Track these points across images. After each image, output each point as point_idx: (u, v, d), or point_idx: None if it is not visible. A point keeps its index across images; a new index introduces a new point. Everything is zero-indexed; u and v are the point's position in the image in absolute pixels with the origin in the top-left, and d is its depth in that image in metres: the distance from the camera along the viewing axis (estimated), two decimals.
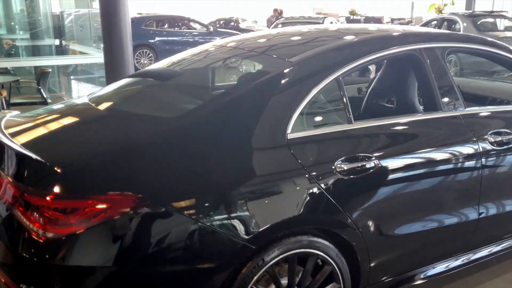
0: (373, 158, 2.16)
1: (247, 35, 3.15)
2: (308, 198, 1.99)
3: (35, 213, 1.71)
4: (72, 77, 10.03)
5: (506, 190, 2.71)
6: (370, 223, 2.18)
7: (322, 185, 2.02)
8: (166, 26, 14.16)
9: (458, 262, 2.64)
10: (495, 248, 2.77)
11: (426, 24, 11.92)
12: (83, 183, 1.75)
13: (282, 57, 2.33)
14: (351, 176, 2.09)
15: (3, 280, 1.82)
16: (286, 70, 2.19)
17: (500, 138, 2.59)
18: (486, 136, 2.55)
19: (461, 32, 9.93)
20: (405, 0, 32.90)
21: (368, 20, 17.32)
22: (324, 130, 2.19)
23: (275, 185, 1.94)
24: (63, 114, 2.49)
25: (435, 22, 11.74)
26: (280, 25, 11.41)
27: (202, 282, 1.82)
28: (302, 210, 1.97)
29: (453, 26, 11.07)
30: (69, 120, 2.36)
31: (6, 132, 2.10)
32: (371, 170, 2.14)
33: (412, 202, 2.34)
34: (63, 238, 1.67)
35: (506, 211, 2.73)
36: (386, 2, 34.47)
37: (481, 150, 2.51)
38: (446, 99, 2.52)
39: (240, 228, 1.83)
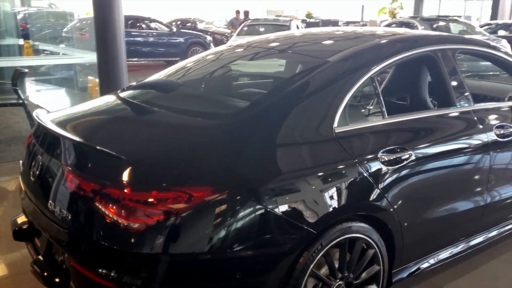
0: (408, 149, 2.37)
1: (274, 37, 3.28)
2: (359, 186, 2.18)
3: (119, 206, 1.79)
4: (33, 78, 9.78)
5: (508, 177, 3.00)
6: (405, 208, 2.39)
7: (370, 174, 2.21)
8: (128, 26, 14.03)
9: (470, 243, 2.91)
10: (500, 230, 3.07)
11: (387, 26, 12.46)
12: (164, 176, 1.85)
13: (319, 57, 2.51)
14: (391, 166, 2.30)
15: (85, 273, 1.88)
16: (326, 70, 2.37)
17: (503, 131, 2.88)
18: (492, 129, 2.83)
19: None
20: (355, 4, 33.88)
21: (325, 23, 17.77)
22: (365, 124, 2.39)
23: (331, 175, 2.11)
24: (115, 110, 2.57)
25: (394, 25, 12.31)
26: (246, 27, 11.59)
27: (271, 266, 1.96)
28: (354, 197, 2.15)
29: (410, 29, 11.64)
30: (124, 115, 2.44)
31: (67, 129, 2.16)
32: (406, 160, 2.36)
33: (438, 189, 2.58)
34: (148, 227, 1.77)
35: (509, 196, 3.03)
36: (336, 5, 35.36)
37: (489, 141, 2.79)
38: (459, 96, 2.78)
39: (304, 214, 1.99)
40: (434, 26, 11.39)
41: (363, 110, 2.49)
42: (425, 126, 2.60)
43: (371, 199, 2.23)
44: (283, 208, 1.94)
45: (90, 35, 9.12)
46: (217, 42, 16.90)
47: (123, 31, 4.77)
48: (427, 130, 2.59)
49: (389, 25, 12.61)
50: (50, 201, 2.05)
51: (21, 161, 2.68)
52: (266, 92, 2.48)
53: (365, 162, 2.22)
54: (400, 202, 2.35)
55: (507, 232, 3.18)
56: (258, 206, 1.89)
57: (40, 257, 2.19)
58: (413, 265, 2.61)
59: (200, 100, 2.67)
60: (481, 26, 13.85)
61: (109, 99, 2.76)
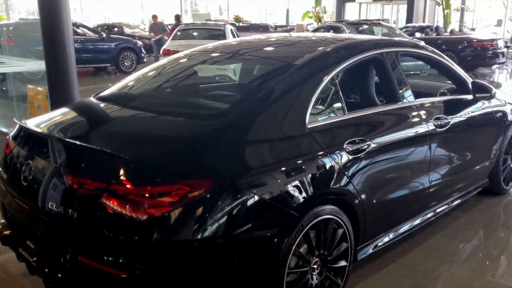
0: (366, 140, 2.72)
1: (246, 42, 3.52)
2: (330, 173, 2.48)
3: (126, 201, 1.96)
4: None
5: (445, 162, 3.45)
6: (366, 191, 2.73)
7: (338, 163, 2.52)
8: None
9: (418, 220, 3.32)
10: (442, 208, 3.52)
11: (317, 30, 13.09)
12: (166, 172, 2.05)
13: (287, 60, 2.79)
14: (354, 155, 2.63)
15: (93, 265, 2.03)
16: (295, 72, 2.65)
17: (440, 122, 3.32)
18: (432, 121, 3.26)
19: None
20: (280, 7, 34.80)
21: (255, 27, 18.21)
22: (331, 119, 2.70)
23: (307, 164, 2.39)
24: (102, 113, 2.72)
25: (322, 29, 12.96)
26: (180, 32, 11.70)
27: (263, 247, 2.20)
28: (327, 183, 2.45)
29: (338, 32, 12.33)
30: (114, 118, 2.58)
31: (62, 133, 2.29)
32: (366, 150, 2.70)
33: (392, 173, 2.95)
34: (155, 219, 1.95)
35: (447, 178, 3.48)
36: (258, 8, 36.07)
37: (430, 131, 3.21)
38: (403, 93, 3.18)
39: (288, 200, 2.26)
40: (360, 29, 12.13)
41: (327, 107, 2.81)
42: (379, 120, 2.96)
43: (340, 184, 2.54)
44: (271, 195, 2.20)
45: (14, 41, 8.85)
46: (147, 48, 16.83)
47: (72, 38, 4.78)
48: (381, 123, 2.95)
49: (317, 29, 13.24)
50: (50, 203, 2.16)
51: None
52: (244, 94, 2.73)
53: (334, 152, 2.53)
54: (362, 186, 2.69)
55: (447, 209, 3.64)
56: (250, 195, 2.13)
57: (38, 258, 2.28)
58: (373, 242, 2.96)
59: (183, 103, 2.87)
60: (401, 29, 14.88)
61: (90, 104, 2.89)
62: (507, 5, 27.33)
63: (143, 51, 15.00)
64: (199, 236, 2.01)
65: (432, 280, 3.06)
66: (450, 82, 4.07)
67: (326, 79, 2.69)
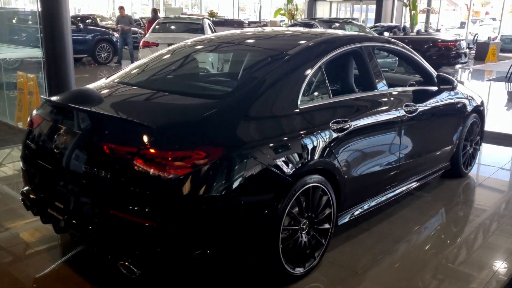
0: (348, 120, 3.17)
1: (243, 34, 3.91)
2: (318, 147, 2.91)
3: (156, 163, 2.34)
4: None
5: (413, 144, 3.94)
6: (347, 165, 3.18)
7: (325, 139, 2.96)
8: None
9: (389, 194, 3.80)
10: (410, 185, 4.03)
11: (291, 27, 13.54)
12: (188, 139, 2.45)
13: (282, 50, 3.21)
14: (338, 133, 3.08)
15: (125, 218, 2.40)
16: (289, 60, 3.08)
17: (409, 108, 3.81)
18: (402, 107, 3.74)
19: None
20: (250, 2, 35.13)
21: (230, 23, 18.57)
22: (318, 102, 3.14)
23: (300, 139, 2.82)
24: (123, 91, 3.11)
25: (297, 26, 13.43)
26: (158, 25, 11.95)
27: (263, 207, 2.62)
28: (315, 155, 2.89)
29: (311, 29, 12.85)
30: (135, 95, 2.96)
31: (94, 107, 2.65)
32: (348, 129, 3.15)
33: (369, 150, 3.41)
34: (180, 177, 2.35)
35: (415, 158, 3.98)
36: (230, 3, 36.28)
37: (401, 115, 3.69)
38: (379, 82, 3.65)
39: (285, 167, 2.68)
40: (332, 27, 12.68)
41: (315, 92, 3.24)
42: (358, 104, 3.42)
43: (326, 157, 2.98)
44: (270, 162, 2.62)
45: None
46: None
47: (70, 27, 5.08)
48: (360, 107, 3.41)
49: (293, 26, 13.71)
50: (84, 166, 2.52)
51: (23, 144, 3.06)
52: (246, 78, 3.14)
53: (321, 129, 2.97)
54: (344, 160, 3.14)
55: (414, 186, 4.15)
56: (254, 162, 2.55)
57: (69, 216, 2.63)
58: (351, 210, 3.42)
59: (191, 86, 3.26)
60: (370, 28, 15.54)
61: (108, 84, 3.25)
62: (470, 8, 28.52)
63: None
64: (213, 193, 2.41)
65: (401, 245, 3.55)
66: (417, 75, 4.58)
67: (315, 67, 3.13)
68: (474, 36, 21.27)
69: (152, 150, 2.37)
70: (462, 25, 29.88)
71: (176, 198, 2.36)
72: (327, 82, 3.22)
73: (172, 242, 2.42)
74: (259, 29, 4.23)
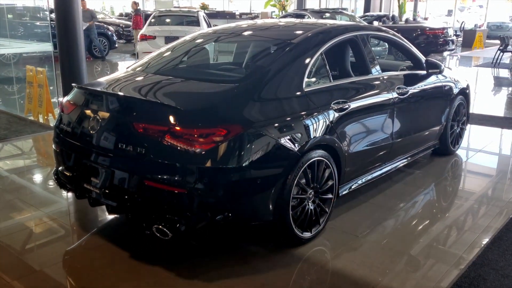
0: (347, 101, 3.55)
1: (250, 26, 4.28)
2: (322, 125, 3.29)
3: (184, 139, 2.71)
4: None
5: (405, 123, 4.33)
6: (346, 141, 3.56)
7: (327, 118, 3.34)
8: None
9: (384, 169, 4.20)
10: (402, 161, 4.43)
11: (283, 17, 13.89)
12: (211, 118, 2.81)
13: (286, 39, 3.57)
14: (339, 113, 3.45)
15: (159, 187, 2.77)
16: (293, 48, 3.45)
17: (401, 91, 4.19)
18: (395, 90, 4.13)
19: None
20: None
21: (222, 15, 18.87)
22: (321, 85, 3.51)
23: (306, 117, 3.19)
24: (148, 78, 3.46)
25: (289, 16, 13.78)
26: (154, 19, 12.21)
27: (277, 177, 2.99)
28: (319, 132, 3.27)
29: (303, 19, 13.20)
30: (159, 81, 3.32)
31: (124, 91, 3.01)
32: (347, 109, 3.53)
33: (365, 129, 3.79)
34: (205, 151, 2.71)
35: (407, 136, 4.37)
36: None
37: (393, 97, 4.08)
38: (373, 67, 4.03)
39: (294, 142, 3.05)
40: (323, 17, 13.04)
41: (317, 76, 3.61)
42: (356, 87, 3.80)
43: (328, 134, 3.35)
44: (282, 138, 2.99)
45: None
46: (119, 34, 17.17)
47: (81, 22, 5.39)
48: (357, 89, 3.79)
49: (284, 17, 14.04)
50: (120, 144, 2.88)
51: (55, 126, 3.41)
52: (256, 65, 3.50)
53: (324, 109, 3.35)
54: (344, 137, 3.52)
55: (407, 162, 4.55)
56: (268, 138, 2.92)
57: (108, 189, 2.98)
58: (350, 183, 3.81)
59: (208, 72, 3.63)
60: (360, 17, 15.91)
61: (132, 72, 3.62)
62: None
63: (115, 37, 15.40)
64: (233, 165, 2.78)
65: (395, 213, 3.95)
66: (407, 61, 4.97)
67: (317, 54, 3.50)
68: (461, 24, 21.73)
69: (180, 128, 2.74)
70: (450, 13, 30.34)
71: (201, 168, 2.73)
72: (327, 67, 3.59)
73: (199, 207, 2.79)
74: (263, 21, 4.58)
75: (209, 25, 12.25)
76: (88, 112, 3.15)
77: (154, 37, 11.04)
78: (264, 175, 2.95)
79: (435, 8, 33.15)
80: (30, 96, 6.97)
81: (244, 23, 4.41)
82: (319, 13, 13.30)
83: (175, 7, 21.31)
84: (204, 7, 22.39)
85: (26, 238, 3.47)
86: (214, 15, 16.31)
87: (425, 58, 4.77)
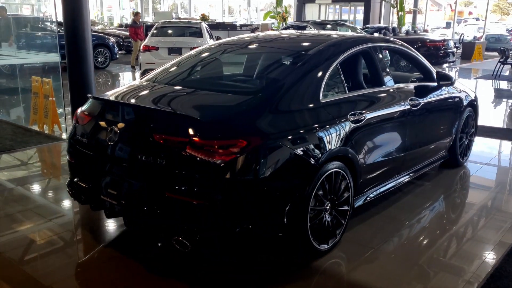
0: (363, 113, 3.54)
1: (264, 38, 4.30)
2: (339, 136, 3.28)
3: (205, 151, 2.69)
4: None
5: (417, 134, 4.33)
6: (362, 153, 3.55)
7: (344, 129, 3.33)
8: None
9: (397, 181, 4.19)
10: (413, 173, 4.42)
11: (285, 29, 13.96)
12: (232, 129, 2.80)
13: (302, 51, 3.58)
14: (355, 124, 3.45)
15: (179, 198, 2.74)
16: (309, 59, 3.45)
17: (413, 102, 4.20)
18: (407, 101, 4.13)
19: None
20: (236, 5, 35.52)
21: (223, 26, 18.96)
22: (337, 97, 3.51)
23: (324, 129, 3.18)
24: (163, 89, 3.47)
25: (291, 28, 13.85)
26: (157, 30, 12.24)
27: (295, 189, 2.98)
28: (337, 143, 3.26)
29: (305, 31, 13.28)
30: (175, 92, 3.31)
31: (142, 102, 3.00)
32: (363, 121, 3.52)
33: (380, 140, 3.79)
34: (225, 162, 2.69)
35: (418, 148, 4.37)
36: (218, 7, 36.65)
37: (406, 109, 4.08)
38: (386, 78, 4.03)
39: (312, 154, 3.04)
40: (325, 29, 13.11)
41: (333, 87, 3.61)
42: (371, 98, 3.80)
43: (345, 145, 3.34)
44: (300, 150, 2.98)
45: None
46: (119, 45, 17.19)
47: (90, 33, 5.38)
48: (372, 101, 3.79)
49: (286, 29, 14.12)
50: (140, 155, 2.86)
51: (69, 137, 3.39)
52: (273, 77, 3.49)
53: (341, 121, 3.34)
54: (360, 148, 3.51)
55: (417, 175, 4.55)
56: (287, 150, 2.91)
57: (126, 201, 2.95)
58: (364, 194, 3.79)
59: (229, 83, 3.63)
60: (362, 29, 16.01)
61: (147, 84, 3.61)
62: (456, 8, 29.23)
63: (116, 48, 15.42)
64: (253, 176, 2.76)
65: (409, 226, 3.93)
66: (415, 73, 4.98)
67: (333, 65, 3.50)
68: (460, 36, 21.88)
69: (200, 140, 2.72)
70: (448, 25, 30.57)
71: (221, 180, 2.71)
72: (343, 78, 3.59)
73: (219, 218, 2.76)
74: (275, 32, 4.61)
75: (211, 36, 12.29)
76: (105, 123, 3.13)
77: (157, 48, 11.06)
78: (283, 186, 2.93)
79: (432, 20, 33.43)
80: (36, 106, 6.95)
81: (256, 34, 4.42)
82: (321, 25, 13.39)
83: (176, 18, 21.37)
84: (204, 18, 22.47)
85: (36, 250, 3.43)
86: (215, 27, 16.36)
87: (436, 70, 4.78)
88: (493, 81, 13.97)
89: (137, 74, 13.33)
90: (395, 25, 22.22)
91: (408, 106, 4.11)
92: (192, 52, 4.19)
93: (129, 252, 3.35)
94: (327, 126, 3.22)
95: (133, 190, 2.94)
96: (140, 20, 16.34)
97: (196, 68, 3.95)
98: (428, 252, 3.46)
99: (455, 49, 15.41)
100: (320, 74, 3.40)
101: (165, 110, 3.01)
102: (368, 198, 3.84)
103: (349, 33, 4.39)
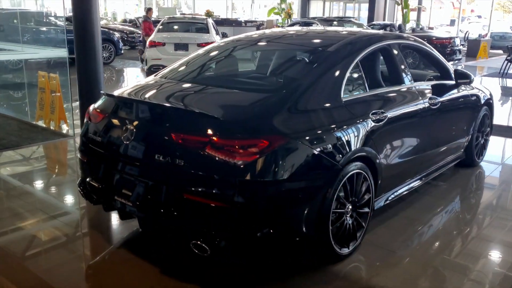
0: (384, 112, 3.43)
1: (282, 34, 4.17)
2: (361, 136, 3.17)
3: (226, 151, 2.58)
4: None
5: (436, 134, 4.21)
6: (384, 153, 3.44)
7: (366, 129, 3.22)
8: None
9: (416, 182, 4.08)
10: (432, 173, 4.31)
11: (291, 26, 13.83)
12: (253, 129, 2.68)
13: (322, 47, 3.46)
14: (377, 123, 3.33)
15: (198, 200, 2.63)
16: (330, 56, 3.33)
17: (433, 101, 4.08)
18: (426, 100, 4.01)
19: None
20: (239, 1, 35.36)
21: (229, 22, 18.82)
22: (358, 95, 3.39)
23: (346, 128, 3.07)
24: (180, 86, 3.34)
25: (297, 25, 13.72)
26: (162, 26, 12.11)
27: (317, 191, 2.87)
28: (359, 143, 3.14)
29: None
30: (194, 89, 3.20)
31: (161, 100, 2.89)
32: (384, 120, 3.41)
33: (400, 139, 3.67)
34: (247, 163, 2.58)
35: (437, 147, 4.26)
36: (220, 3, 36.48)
37: (426, 107, 3.96)
38: (406, 76, 3.92)
39: (335, 154, 2.93)
40: (332, 25, 12.97)
41: (354, 85, 3.50)
42: (391, 97, 3.69)
43: (367, 145, 3.23)
44: (323, 150, 2.87)
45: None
46: (124, 40, 17.05)
47: (99, 30, 5.27)
48: (393, 99, 3.67)
49: (292, 25, 13.97)
50: (157, 155, 2.74)
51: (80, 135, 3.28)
52: (293, 74, 3.38)
53: (363, 120, 3.22)
54: (381, 148, 3.40)
55: (435, 175, 4.44)
56: (310, 150, 2.79)
57: (142, 202, 2.84)
58: (385, 195, 3.68)
59: (247, 80, 3.51)
60: (368, 26, 15.87)
61: (164, 81, 3.49)
62: (460, 6, 29.05)
63: (121, 43, 15.30)
64: (276, 178, 2.64)
65: (429, 227, 3.82)
66: (429, 70, 4.86)
67: (353, 62, 3.38)
68: (466, 34, 21.72)
69: (221, 139, 2.61)
70: (452, 22, 30.38)
71: (242, 181, 2.59)
72: (364, 76, 3.48)
73: (240, 222, 2.65)
74: (291, 28, 4.48)
75: (217, 32, 12.16)
76: (120, 121, 3.02)
77: (164, 44, 10.93)
78: (305, 188, 2.82)
79: (435, 17, 33.20)
80: (42, 102, 6.84)
81: (272, 31, 4.29)
82: (328, 22, 13.25)
83: (181, 14, 21.21)
84: (209, 14, 22.30)
85: (46, 251, 3.33)
86: (220, 23, 16.22)
87: (453, 68, 4.66)
88: (500, 79, 13.83)
89: (142, 69, 13.21)
90: (399, 22, 22.05)
91: (428, 105, 4.00)
92: (206, 48, 4.07)
93: (144, 253, 3.25)
94: (349, 126, 3.11)
95: (149, 191, 2.83)
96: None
97: (211, 65, 3.83)
98: (452, 256, 3.36)
99: (461, 47, 15.27)
100: (341, 71, 3.28)
101: (183, 108, 2.89)
102: (388, 200, 3.73)
103: (372, 30, 4.26)
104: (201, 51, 4.03)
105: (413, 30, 17.94)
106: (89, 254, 3.36)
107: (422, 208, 4.19)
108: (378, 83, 3.84)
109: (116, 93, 3.20)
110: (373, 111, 3.35)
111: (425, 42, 4.45)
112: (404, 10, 22.50)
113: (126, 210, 2.96)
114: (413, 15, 27.20)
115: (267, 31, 4.30)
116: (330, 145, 2.92)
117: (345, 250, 3.18)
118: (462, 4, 31.47)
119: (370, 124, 3.28)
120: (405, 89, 3.86)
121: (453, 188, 4.74)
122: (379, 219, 3.87)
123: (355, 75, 3.48)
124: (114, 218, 3.74)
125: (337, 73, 3.26)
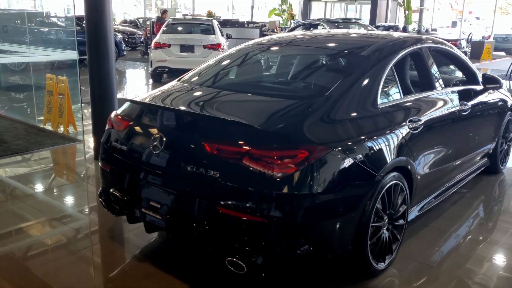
0: (420, 119, 3.28)
1: (311, 38, 3.99)
2: (400, 145, 3.01)
3: (264, 163, 2.42)
4: None
5: (466, 141, 4.06)
6: (419, 162, 3.28)
7: (404, 137, 3.06)
8: None
9: (448, 189, 3.93)
10: (462, 180, 4.16)
11: (296, 27, 13.68)
12: (291, 139, 2.52)
13: (355, 51, 3.30)
14: (413, 131, 3.18)
15: (234, 215, 2.47)
16: (364, 61, 3.18)
17: (463, 107, 3.93)
18: (458, 105, 3.86)
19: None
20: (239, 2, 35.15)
21: (232, 23, 18.64)
22: (394, 102, 3.24)
23: (385, 136, 2.91)
24: (210, 92, 3.16)
25: (302, 26, 13.57)
26: (166, 27, 11.94)
27: (357, 203, 2.71)
28: (398, 152, 2.99)
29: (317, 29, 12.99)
30: (225, 96, 3.03)
31: (190, 107, 2.72)
32: (420, 128, 3.25)
33: (435, 146, 3.52)
34: (285, 175, 2.42)
35: (467, 155, 4.11)
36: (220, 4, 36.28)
37: (458, 114, 3.82)
38: (437, 81, 3.77)
39: (374, 164, 2.77)
40: (339, 27, 12.82)
41: (389, 91, 3.34)
42: (425, 103, 3.53)
43: (405, 154, 3.08)
44: (363, 159, 2.71)
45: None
46: (125, 41, 16.86)
47: (112, 30, 5.09)
48: (427, 105, 3.52)
49: (297, 27, 13.82)
50: (190, 167, 2.58)
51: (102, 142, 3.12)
52: (327, 80, 3.21)
53: (401, 128, 3.07)
54: (417, 157, 3.25)
55: (468, 179, 4.28)
56: (351, 160, 2.64)
57: (172, 215, 2.68)
58: (418, 206, 3.53)
59: (278, 86, 3.35)
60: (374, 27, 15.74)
61: (185, 86, 3.32)
62: (463, 8, 28.92)
63: (123, 44, 15.11)
64: (318, 190, 2.49)
65: (462, 239, 3.67)
66: (452, 75, 4.71)
67: (388, 67, 3.23)
68: (469, 35, 21.62)
69: (258, 150, 2.45)
70: (454, 24, 30.29)
71: (281, 195, 2.43)
72: (398, 81, 3.32)
73: (279, 237, 2.49)
74: (318, 32, 4.32)
75: (222, 34, 11.99)
76: (147, 129, 2.86)
77: (169, 45, 10.75)
78: (345, 201, 2.66)
79: (435, 19, 33.02)
80: (50, 105, 6.66)
81: (299, 33, 4.12)
82: (334, 23, 13.10)
83: (184, 15, 21.03)
84: (210, 15, 22.12)
85: (62, 261, 3.16)
86: (223, 24, 16.00)
87: (481, 73, 4.52)
88: (507, 81, 13.70)
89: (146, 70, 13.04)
90: (402, 23, 21.94)
91: (459, 111, 3.85)
92: (230, 51, 3.90)
93: (171, 268, 3.08)
94: (388, 134, 2.96)
95: (180, 204, 2.67)
96: (143, 16, 16.02)
97: (238, 69, 3.67)
98: (492, 270, 3.21)
99: (467, 49, 15.14)
100: (376, 77, 3.13)
101: (217, 117, 2.72)
102: (421, 211, 3.58)
103: (402, 33, 4.10)
104: (226, 53, 3.86)
105: (419, 32, 17.80)
106: (111, 268, 3.19)
107: (451, 217, 4.04)
108: (409, 88, 3.69)
109: (141, 99, 3.03)
110: (410, 118, 3.20)
111: (453, 46, 4.30)
112: (407, 12, 22.40)
113: (155, 223, 2.80)
114: (414, 17, 27.11)
115: (292, 34, 4.14)
116: (370, 155, 2.77)
117: (381, 265, 3.02)
118: (460, 5, 31.36)
119: (407, 132, 3.13)
120: (437, 95, 3.72)
121: (479, 195, 4.60)
122: (409, 230, 3.71)
123: (390, 81, 3.32)
124: (136, 228, 3.57)
125: (373, 78, 3.10)
